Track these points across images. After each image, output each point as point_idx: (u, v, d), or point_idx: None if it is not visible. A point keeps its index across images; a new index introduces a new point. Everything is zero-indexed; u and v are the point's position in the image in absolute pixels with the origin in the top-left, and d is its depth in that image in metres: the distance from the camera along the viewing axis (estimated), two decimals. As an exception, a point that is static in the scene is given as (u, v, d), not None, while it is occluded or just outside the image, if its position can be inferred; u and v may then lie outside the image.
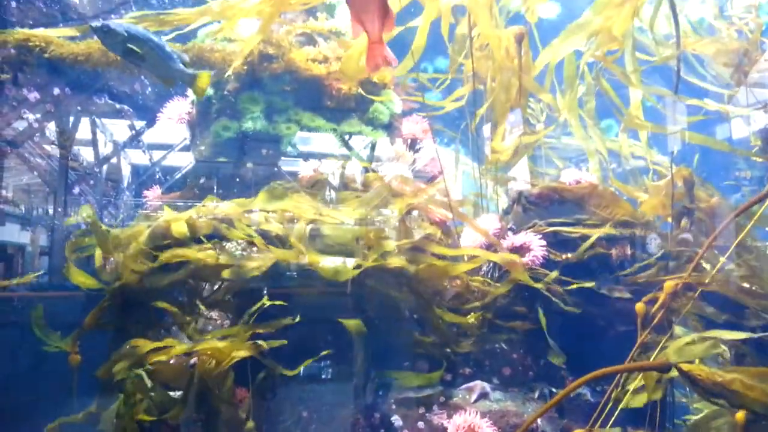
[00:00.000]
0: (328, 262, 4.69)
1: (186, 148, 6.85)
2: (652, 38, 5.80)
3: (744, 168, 7.65)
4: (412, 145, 7.19)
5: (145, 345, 4.34)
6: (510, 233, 5.94)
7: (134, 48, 3.62)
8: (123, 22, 3.88)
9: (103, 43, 3.71)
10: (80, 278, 4.64)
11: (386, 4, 2.73)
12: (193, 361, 4.33)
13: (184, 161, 6.83)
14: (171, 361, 4.33)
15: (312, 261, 4.69)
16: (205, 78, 4.15)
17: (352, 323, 4.79)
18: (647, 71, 6.47)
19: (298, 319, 4.67)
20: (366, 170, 6.57)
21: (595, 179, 6.18)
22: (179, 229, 4.53)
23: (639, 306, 4.58)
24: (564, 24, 6.22)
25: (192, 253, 4.54)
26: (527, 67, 6.04)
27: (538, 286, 5.39)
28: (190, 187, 6.18)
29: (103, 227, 4.52)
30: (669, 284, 4.92)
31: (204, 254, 4.53)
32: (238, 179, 6.05)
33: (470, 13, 5.72)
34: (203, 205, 4.89)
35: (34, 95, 5.48)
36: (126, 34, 3.63)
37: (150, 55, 3.75)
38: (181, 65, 4.01)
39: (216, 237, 4.74)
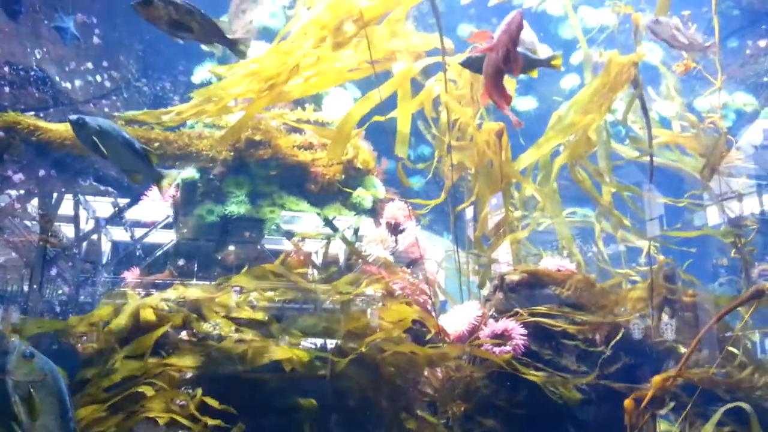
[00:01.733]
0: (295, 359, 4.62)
1: (168, 226, 6.85)
2: (626, 134, 6.07)
3: (719, 256, 7.80)
4: (395, 228, 7.26)
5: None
6: (491, 320, 5.92)
7: (98, 143, 3.72)
8: (99, 117, 3.97)
9: (75, 135, 3.81)
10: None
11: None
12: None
13: (166, 239, 6.80)
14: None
15: (283, 356, 4.62)
16: (170, 179, 4.29)
17: (305, 403, 4.66)
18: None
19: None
20: (349, 251, 6.60)
21: (574, 267, 6.25)
22: (147, 316, 4.47)
23: (627, 402, 4.53)
24: (541, 115, 6.53)
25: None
26: (507, 159, 6.24)
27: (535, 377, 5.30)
28: (170, 269, 6.13)
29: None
30: (657, 379, 4.91)
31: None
32: (219, 262, 6.03)
33: (449, 108, 5.94)
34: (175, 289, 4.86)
35: (18, 176, 5.51)
36: (98, 128, 3.75)
37: (117, 151, 3.86)
38: (149, 163, 4.10)
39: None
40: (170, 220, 6.68)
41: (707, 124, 7.04)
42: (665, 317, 5.79)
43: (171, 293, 4.83)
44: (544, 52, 6.41)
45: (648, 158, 6.13)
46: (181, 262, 6.13)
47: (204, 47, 8.38)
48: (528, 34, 6.49)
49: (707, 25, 9.07)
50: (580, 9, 10.03)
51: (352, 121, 5.63)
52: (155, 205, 6.74)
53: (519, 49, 4.37)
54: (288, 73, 4.97)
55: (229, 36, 4.27)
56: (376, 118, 5.67)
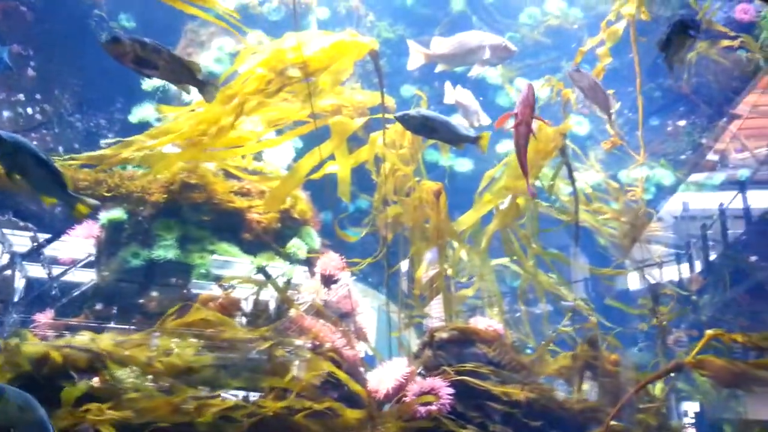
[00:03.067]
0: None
1: (90, 265, 6.53)
2: (554, 203, 6.37)
3: (639, 322, 8.13)
4: (328, 280, 7.20)
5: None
6: (419, 378, 5.89)
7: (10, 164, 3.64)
8: (19, 137, 3.85)
9: None
10: None
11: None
12: None
13: (86, 279, 6.47)
14: None
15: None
16: (85, 208, 4.18)
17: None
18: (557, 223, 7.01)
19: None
20: (281, 299, 6.46)
21: (501, 327, 6.35)
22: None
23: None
24: (476, 176, 6.77)
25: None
26: (445, 217, 6.41)
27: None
28: (86, 312, 5.81)
29: None
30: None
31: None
32: (140, 307, 5.76)
33: (388, 163, 6.08)
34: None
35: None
36: (12, 143, 3.64)
37: (31, 170, 3.76)
38: (63, 186, 3.99)
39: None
40: (92, 259, 6.38)
41: (629, 196, 7.47)
42: (587, 384, 5.95)
43: (83, 338, 4.58)
44: (485, 120, 6.71)
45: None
46: (99, 306, 5.82)
47: (145, 87, 8.33)
48: (473, 103, 6.80)
49: (632, 103, 9.76)
50: (516, 80, 10.60)
51: (299, 176, 5.68)
52: (77, 243, 6.44)
53: (453, 122, 4.67)
54: (233, 115, 4.97)
55: (199, 77, 4.23)
56: (315, 175, 5.74)
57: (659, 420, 5.90)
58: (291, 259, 6.59)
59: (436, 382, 5.66)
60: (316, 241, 7.00)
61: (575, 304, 6.89)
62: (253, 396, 5.49)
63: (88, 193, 5.97)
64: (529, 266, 6.30)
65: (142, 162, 5.26)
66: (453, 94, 6.91)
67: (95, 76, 8.94)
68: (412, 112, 4.88)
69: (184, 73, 4.15)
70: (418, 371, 6.02)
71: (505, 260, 6.65)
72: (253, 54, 5.30)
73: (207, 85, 4.30)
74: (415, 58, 6.01)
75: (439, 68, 6.10)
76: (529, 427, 5.54)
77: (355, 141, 6.23)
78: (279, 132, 6.52)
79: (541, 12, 11.70)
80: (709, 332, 5.08)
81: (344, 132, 5.82)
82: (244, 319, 6.06)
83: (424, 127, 4.89)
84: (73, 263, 6.58)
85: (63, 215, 6.26)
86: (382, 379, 5.82)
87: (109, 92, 9.23)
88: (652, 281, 8.61)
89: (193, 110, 5.52)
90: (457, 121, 5.67)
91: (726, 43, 7.75)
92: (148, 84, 8.37)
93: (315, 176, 5.78)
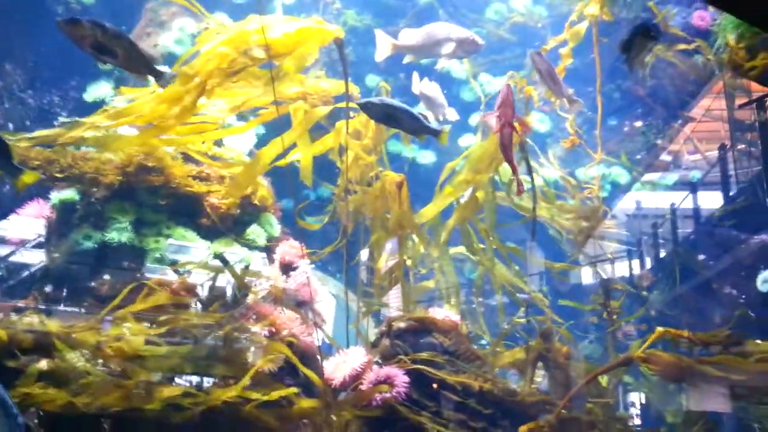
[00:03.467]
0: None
1: (39, 246, 6.32)
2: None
3: (590, 315, 8.36)
4: (287, 267, 7.15)
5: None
6: (376, 366, 5.93)
7: None
8: None
9: None
10: None
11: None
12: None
13: (35, 260, 6.26)
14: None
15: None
16: (30, 177, 4.06)
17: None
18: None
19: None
20: (238, 286, 6.39)
21: (458, 318, 6.44)
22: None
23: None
24: (439, 168, 6.84)
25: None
26: (406, 209, 6.45)
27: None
28: (35, 295, 5.62)
29: None
30: (523, 429, 5.14)
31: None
32: (91, 291, 5.60)
33: (350, 154, 6.07)
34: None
35: None
36: None
37: None
38: (6, 156, 3.88)
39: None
40: (42, 240, 6.17)
41: (586, 193, 7.65)
42: (539, 374, 6.10)
43: (32, 320, 4.45)
44: (451, 114, 6.75)
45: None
46: (48, 288, 5.63)
47: (101, 66, 8.05)
48: (439, 96, 6.83)
49: (591, 103, 9.97)
50: (480, 75, 10.71)
51: (263, 164, 5.61)
52: (26, 223, 6.22)
53: (415, 113, 4.72)
54: (195, 93, 4.85)
55: (157, 67, 4.20)
56: (279, 162, 5.68)
57: (607, 410, 6.10)
58: (250, 245, 6.52)
59: (392, 370, 5.71)
60: (276, 228, 6.93)
61: (531, 296, 7.04)
62: (207, 382, 5.44)
63: (40, 172, 5.77)
64: (485, 259, 6.39)
65: (98, 143, 5.10)
66: (420, 84, 6.93)
67: (49, 51, 8.62)
68: (375, 100, 4.88)
69: (142, 63, 4.11)
70: (375, 360, 6.06)
71: (462, 248, 6.73)
72: (216, 35, 5.19)
73: (164, 75, 4.29)
74: (383, 48, 5.99)
75: (407, 59, 6.11)
76: (482, 415, 5.66)
77: (318, 129, 6.19)
78: (242, 118, 6.43)
79: (507, 8, 11.84)
80: (659, 329, 5.28)
81: (308, 120, 5.78)
82: (199, 306, 5.97)
83: (386, 116, 4.90)
84: (22, 243, 6.35)
85: (11, 194, 6.03)
86: (338, 367, 5.84)
87: (63, 69, 8.90)
88: (604, 276, 8.85)
89: (153, 92, 5.38)
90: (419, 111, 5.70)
91: (682, 46, 7.98)
92: (106, 62, 8.11)
93: (279, 163, 5.71)
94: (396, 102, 4.93)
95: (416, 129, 4.95)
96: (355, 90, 7.42)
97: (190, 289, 5.95)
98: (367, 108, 4.87)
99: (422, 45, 5.87)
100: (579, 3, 6.92)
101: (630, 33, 4.68)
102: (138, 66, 4.12)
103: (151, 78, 4.26)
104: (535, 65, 5.57)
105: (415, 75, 6.95)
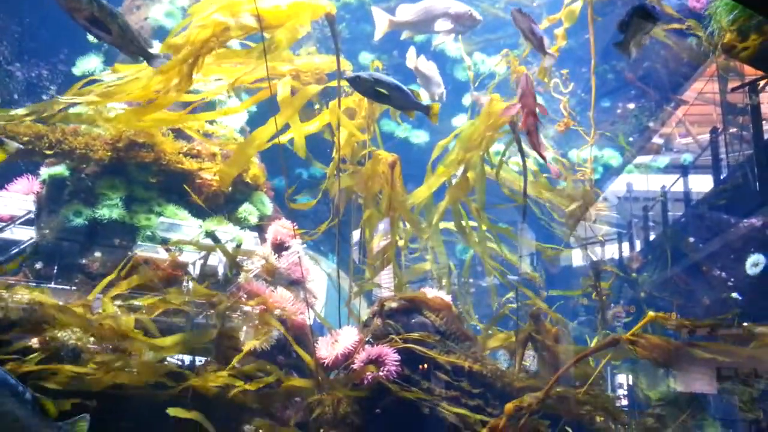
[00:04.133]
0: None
1: (29, 223, 6.26)
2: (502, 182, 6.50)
3: (580, 296, 8.43)
4: (279, 247, 7.13)
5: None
6: (367, 345, 5.96)
7: None
8: None
9: None
10: None
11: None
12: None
13: (25, 237, 6.20)
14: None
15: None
16: (6, 148, 4.07)
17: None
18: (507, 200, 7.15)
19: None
20: (229, 264, 6.37)
21: (450, 298, 6.47)
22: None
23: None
24: (432, 148, 6.80)
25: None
26: (399, 189, 6.43)
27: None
28: (25, 271, 5.57)
29: None
30: (509, 407, 5.20)
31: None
32: (82, 267, 5.56)
33: (342, 132, 6.02)
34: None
35: None
36: None
37: None
38: None
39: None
40: (31, 216, 6.10)
41: (579, 176, 7.66)
42: (529, 354, 6.16)
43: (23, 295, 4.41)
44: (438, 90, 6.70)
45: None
46: (39, 265, 5.58)
47: (91, 38, 7.90)
48: (435, 75, 6.76)
49: (585, 84, 9.92)
50: (474, 54, 10.61)
51: (258, 143, 5.56)
52: (16, 199, 6.13)
53: (405, 89, 4.69)
54: (190, 62, 4.78)
55: (150, 50, 4.26)
56: (274, 142, 5.63)
57: (595, 391, 6.18)
58: (242, 224, 6.48)
59: (384, 349, 5.74)
60: (268, 207, 6.90)
61: (526, 275, 7.08)
62: (199, 361, 5.44)
63: (29, 148, 5.69)
64: (474, 241, 6.41)
65: (92, 121, 5.04)
66: (416, 60, 6.85)
67: (37, 23, 8.43)
68: (364, 74, 4.81)
69: (135, 45, 4.17)
70: (367, 339, 6.09)
71: (452, 224, 6.75)
72: (209, 6, 5.10)
73: (156, 57, 4.36)
74: (381, 24, 5.91)
75: (405, 35, 6.04)
76: (471, 394, 5.72)
77: (308, 106, 6.13)
78: (235, 94, 6.35)
79: (502, -13, 11.69)
80: (650, 314, 5.32)
81: (300, 99, 5.72)
82: (191, 284, 5.95)
83: (376, 91, 4.83)
84: (12, 220, 6.28)
85: (1, 169, 5.94)
86: (331, 346, 5.86)
87: (52, 41, 8.72)
88: (595, 258, 8.91)
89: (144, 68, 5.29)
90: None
91: (675, 26, 7.93)
92: (95, 35, 7.95)
93: (273, 142, 5.66)
94: (386, 77, 4.86)
95: (406, 105, 4.90)
96: (347, 66, 7.35)
97: (182, 268, 5.93)
98: (356, 82, 4.81)
99: (420, 20, 5.79)
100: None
101: (628, 14, 4.61)
102: (130, 47, 4.15)
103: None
104: (516, 23, 5.46)
105: (412, 50, 6.87)
